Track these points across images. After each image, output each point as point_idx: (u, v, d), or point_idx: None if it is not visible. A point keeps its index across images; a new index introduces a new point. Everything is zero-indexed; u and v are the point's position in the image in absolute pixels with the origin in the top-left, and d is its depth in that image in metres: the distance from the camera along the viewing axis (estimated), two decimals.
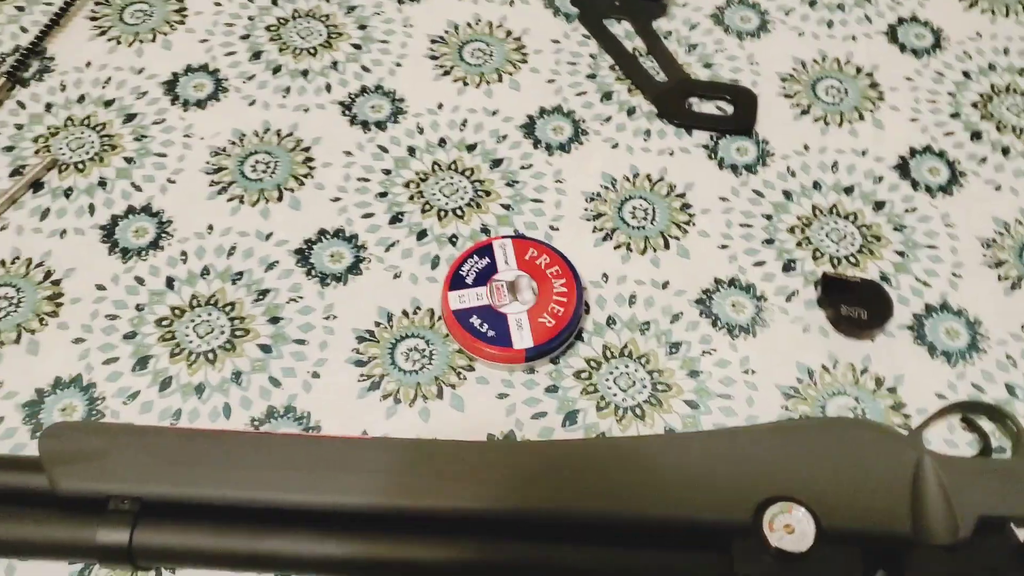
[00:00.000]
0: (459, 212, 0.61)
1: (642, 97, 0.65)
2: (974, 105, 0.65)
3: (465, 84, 0.66)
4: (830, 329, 0.56)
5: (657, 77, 0.66)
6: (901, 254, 0.59)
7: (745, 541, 0.46)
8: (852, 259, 0.59)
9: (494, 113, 0.65)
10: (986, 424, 0.53)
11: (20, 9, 0.69)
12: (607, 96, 0.66)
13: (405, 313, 0.57)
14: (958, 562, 0.46)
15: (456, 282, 0.56)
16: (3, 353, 0.55)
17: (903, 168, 0.62)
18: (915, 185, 0.62)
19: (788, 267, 0.59)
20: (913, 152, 0.63)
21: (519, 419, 0.53)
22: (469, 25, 0.69)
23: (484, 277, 0.56)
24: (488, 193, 0.62)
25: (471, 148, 0.63)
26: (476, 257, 0.57)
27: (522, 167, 0.63)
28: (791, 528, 0.46)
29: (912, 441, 0.50)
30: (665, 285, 0.58)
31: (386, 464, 0.49)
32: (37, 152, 0.63)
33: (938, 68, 0.67)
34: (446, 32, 0.69)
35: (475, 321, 0.55)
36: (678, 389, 0.55)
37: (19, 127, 0.64)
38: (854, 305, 0.56)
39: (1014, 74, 0.66)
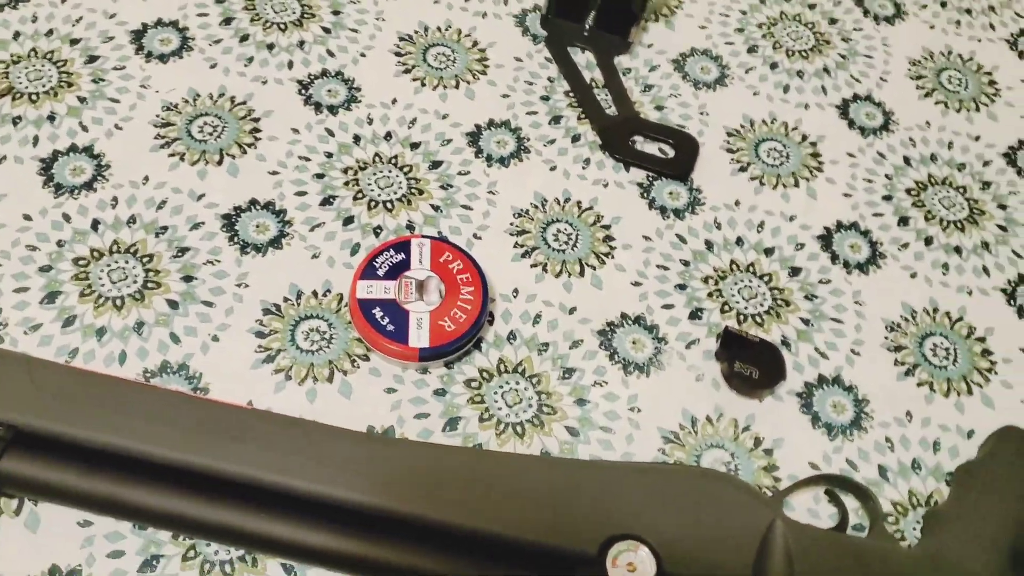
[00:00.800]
0: (389, 205, 0.62)
1: (589, 127, 0.66)
2: (908, 191, 0.67)
3: (423, 85, 0.67)
4: (722, 383, 0.58)
5: (608, 110, 0.67)
6: (806, 322, 0.60)
7: (589, 573, 0.47)
8: (758, 319, 0.60)
9: (444, 117, 0.66)
10: (850, 501, 0.54)
11: None
12: (556, 120, 0.67)
13: (315, 293, 0.58)
14: None
15: (368, 272, 0.57)
16: None
17: (826, 240, 0.64)
18: (834, 258, 0.63)
19: (695, 315, 0.60)
20: (839, 226, 0.64)
21: (402, 416, 0.55)
22: (439, 29, 0.70)
23: (396, 272, 0.57)
24: (421, 192, 0.63)
25: (415, 146, 0.65)
26: (393, 251, 0.58)
27: (459, 172, 0.64)
28: (633, 567, 0.47)
29: (772, 503, 0.51)
30: (572, 311, 0.59)
31: (262, 437, 0.50)
32: None
33: (881, 149, 0.68)
34: (415, 32, 0.70)
35: (377, 313, 0.56)
36: (562, 414, 0.56)
37: None
38: (749, 363, 0.57)
39: (953, 168, 0.68)
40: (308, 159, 0.63)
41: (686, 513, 0.49)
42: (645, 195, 0.64)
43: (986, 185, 0.67)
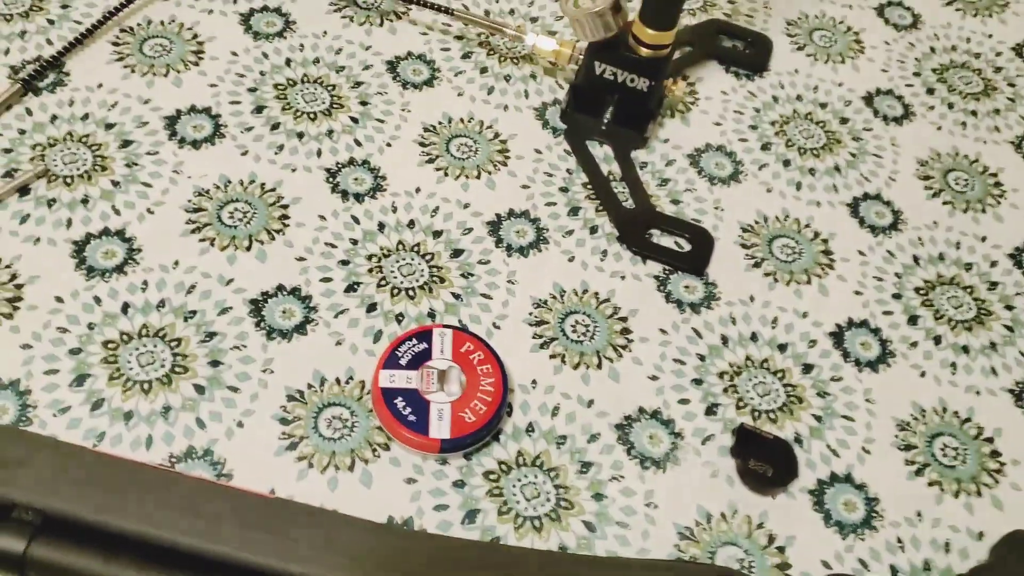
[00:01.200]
0: (411, 293, 0.63)
1: (607, 219, 0.68)
2: (917, 290, 0.68)
3: (445, 174, 0.70)
4: (737, 479, 0.59)
5: (625, 203, 0.69)
6: (819, 419, 0.62)
7: None
8: (772, 415, 0.61)
9: (466, 206, 0.68)
10: None
11: (51, 22, 0.73)
12: (574, 211, 0.69)
13: (338, 380, 0.59)
14: None
15: (391, 361, 0.58)
16: None
17: (838, 337, 0.65)
18: (846, 356, 0.64)
19: (711, 411, 0.61)
20: (851, 323, 0.66)
21: (421, 507, 0.55)
22: (462, 120, 0.73)
23: (418, 361, 0.59)
24: (443, 280, 0.64)
25: (437, 234, 0.66)
26: (415, 340, 0.59)
27: (480, 262, 0.65)
28: None
29: None
30: (590, 403, 0.60)
31: (285, 527, 0.51)
32: (32, 159, 0.66)
33: (891, 248, 0.70)
34: (439, 123, 0.72)
35: (399, 402, 0.57)
36: (580, 509, 0.57)
37: (22, 132, 0.67)
38: (763, 461, 0.58)
39: (961, 268, 0.69)
40: (334, 245, 0.65)
41: None
42: (662, 288, 0.66)
43: (993, 285, 0.69)
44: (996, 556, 0.56)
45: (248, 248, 0.64)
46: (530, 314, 0.64)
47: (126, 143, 0.68)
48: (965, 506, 0.59)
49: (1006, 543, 0.56)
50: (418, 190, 0.69)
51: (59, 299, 0.60)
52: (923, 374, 0.64)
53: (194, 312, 0.61)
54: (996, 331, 0.67)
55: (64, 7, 0.74)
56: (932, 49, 0.83)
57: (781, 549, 0.56)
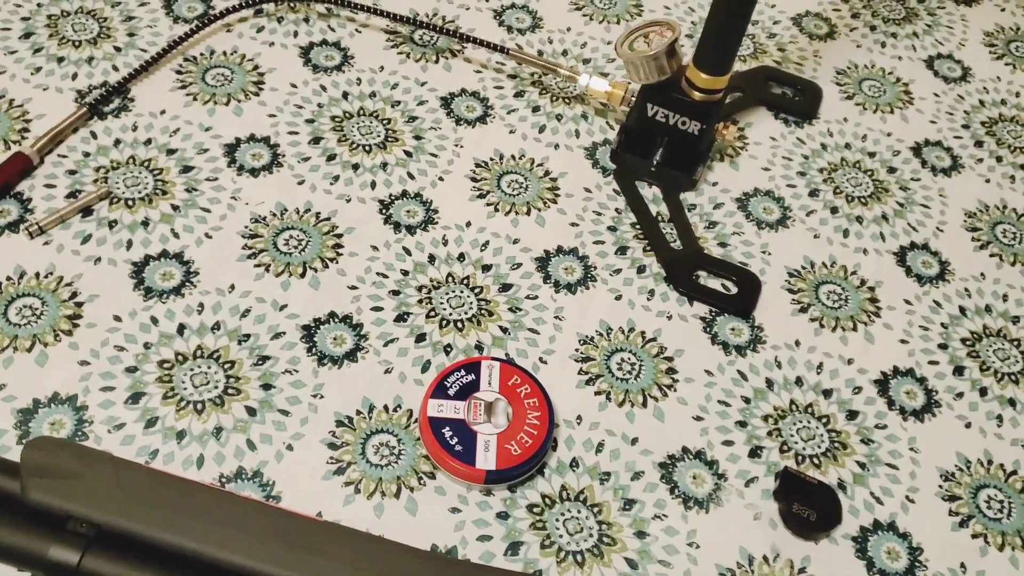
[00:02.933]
0: (460, 325, 0.64)
1: (655, 259, 0.69)
2: (963, 341, 0.68)
3: (496, 210, 0.71)
4: (779, 523, 0.58)
5: (673, 244, 0.70)
6: (863, 466, 0.61)
7: None
8: (816, 460, 0.61)
9: (515, 242, 0.69)
10: None
11: (117, 49, 0.75)
12: (622, 250, 0.70)
13: (386, 408, 0.60)
14: None
15: (439, 391, 0.59)
16: (14, 358, 0.59)
17: (883, 385, 0.65)
18: (891, 404, 0.64)
19: (754, 453, 0.61)
20: (896, 372, 0.66)
21: (465, 537, 0.56)
22: (513, 157, 0.74)
23: (466, 392, 0.59)
24: (491, 313, 0.65)
25: (486, 268, 0.67)
26: (463, 371, 0.60)
27: (528, 297, 0.66)
28: None
29: None
30: (634, 441, 0.61)
31: (333, 551, 0.51)
32: (95, 181, 0.68)
33: (937, 298, 0.70)
34: (491, 159, 0.74)
35: (447, 432, 0.58)
36: (622, 546, 0.57)
37: (86, 155, 0.69)
38: (806, 505, 0.58)
39: (1007, 320, 0.69)
40: (385, 276, 0.66)
41: None
42: (708, 330, 0.66)
43: None
44: None
45: (302, 275, 0.65)
46: (576, 350, 0.64)
47: (186, 168, 0.70)
48: (1010, 560, 0.59)
49: None
50: (468, 224, 0.70)
51: (117, 318, 0.62)
52: (968, 425, 0.64)
53: (248, 335, 0.62)
54: None
55: (131, 35, 0.77)
56: (981, 102, 0.84)
57: None
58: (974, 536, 0.59)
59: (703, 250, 0.70)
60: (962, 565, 0.58)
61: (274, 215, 0.68)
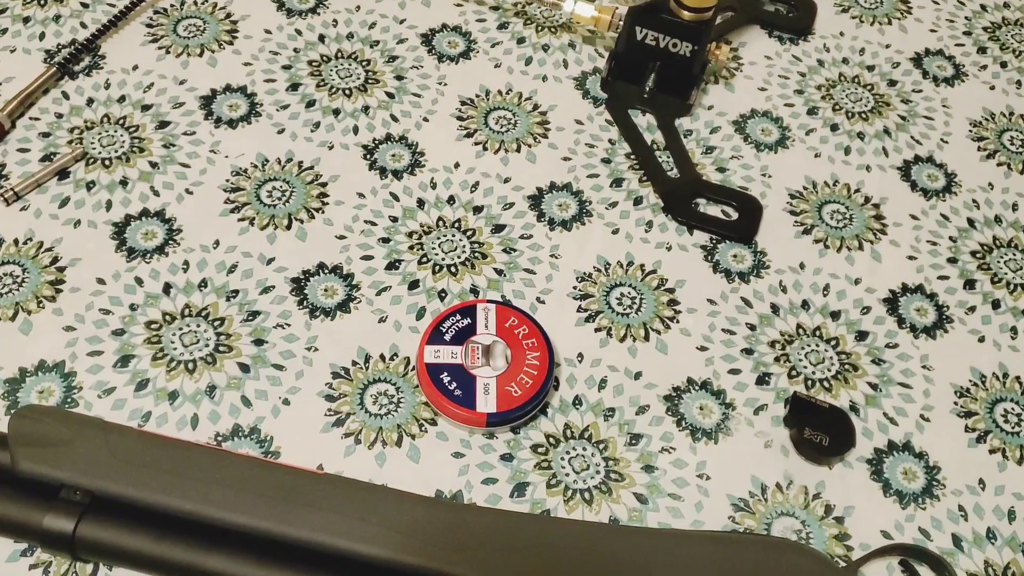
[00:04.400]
0: (453, 269, 0.63)
1: (651, 189, 0.67)
2: (973, 254, 0.66)
3: (484, 148, 0.68)
4: (791, 449, 0.57)
5: (670, 172, 0.68)
6: (874, 387, 0.60)
7: None
8: (826, 384, 0.60)
9: (506, 180, 0.67)
10: (925, 572, 0.53)
11: (84, 6, 0.73)
12: (617, 182, 0.67)
13: (382, 357, 0.59)
14: None
15: (435, 337, 0.58)
16: None
17: (892, 304, 0.63)
18: (901, 322, 0.63)
19: (762, 380, 0.60)
20: (905, 289, 0.64)
21: (470, 481, 0.55)
22: (500, 93, 0.71)
23: (462, 337, 0.58)
24: (485, 256, 0.63)
25: (477, 210, 0.65)
26: (459, 316, 0.59)
27: (522, 236, 0.64)
28: None
29: (846, 573, 0.51)
30: (637, 376, 0.59)
31: (332, 503, 0.50)
32: (70, 143, 0.66)
33: (944, 211, 0.68)
34: (476, 96, 0.71)
35: (445, 378, 0.56)
36: (631, 481, 0.55)
37: (59, 116, 0.67)
38: (818, 430, 0.57)
39: (1018, 230, 0.67)
40: (374, 223, 0.64)
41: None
42: (709, 258, 0.64)
43: None
44: None
45: (288, 227, 0.63)
46: (574, 288, 0.63)
47: (163, 124, 0.67)
48: None
49: None
50: (457, 165, 0.67)
51: (101, 281, 0.60)
52: (982, 339, 0.62)
53: (236, 292, 0.60)
54: None
55: None
56: (983, 7, 0.81)
57: (839, 520, 0.55)
58: (992, 451, 0.58)
59: (701, 177, 0.68)
60: (980, 481, 0.57)
61: (255, 167, 0.66)
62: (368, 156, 0.67)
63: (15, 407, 0.55)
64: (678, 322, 0.62)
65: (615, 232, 0.65)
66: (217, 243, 0.62)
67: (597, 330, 0.61)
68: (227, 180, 0.65)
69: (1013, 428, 0.59)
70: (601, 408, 0.58)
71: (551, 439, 0.56)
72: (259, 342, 0.59)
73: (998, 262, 0.66)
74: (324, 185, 0.66)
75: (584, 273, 0.63)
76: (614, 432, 0.57)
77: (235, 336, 0.59)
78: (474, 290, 0.62)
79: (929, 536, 0.55)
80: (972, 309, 0.64)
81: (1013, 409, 0.60)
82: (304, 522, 0.50)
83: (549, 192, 0.67)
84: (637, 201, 0.67)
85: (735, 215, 0.66)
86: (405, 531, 0.49)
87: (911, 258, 0.66)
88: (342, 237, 0.63)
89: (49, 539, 0.49)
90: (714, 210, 0.67)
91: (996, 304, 0.64)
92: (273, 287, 0.61)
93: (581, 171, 0.68)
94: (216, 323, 0.59)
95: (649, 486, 0.55)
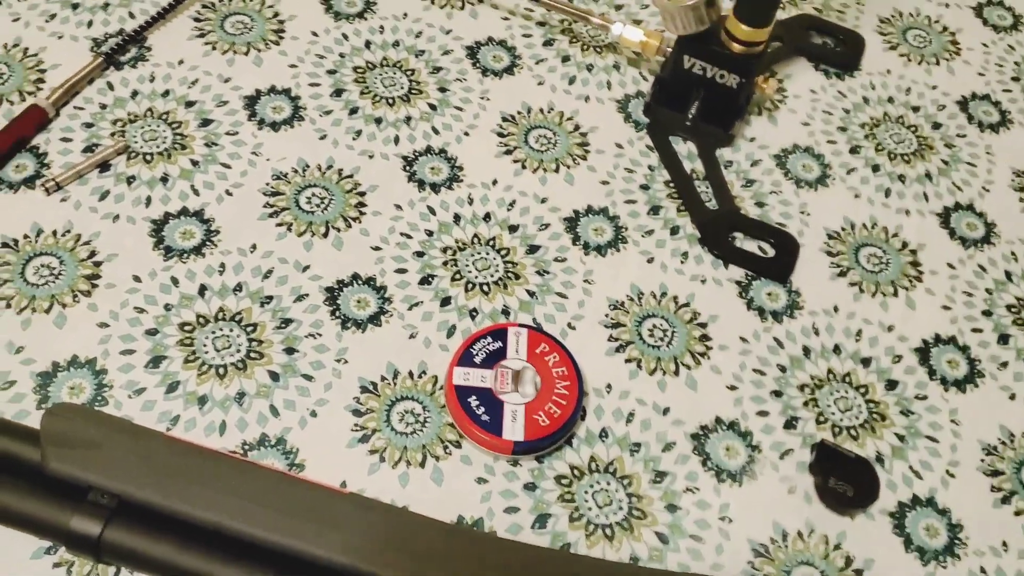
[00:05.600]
0: (486, 288, 0.62)
1: (688, 219, 0.67)
2: (1009, 308, 0.66)
3: (523, 167, 0.68)
4: (814, 497, 0.57)
5: (708, 203, 0.67)
6: (902, 439, 0.60)
7: None
8: (853, 432, 0.60)
9: (543, 201, 0.67)
10: None
11: None
12: (655, 210, 0.67)
13: (411, 374, 0.59)
14: None
15: (465, 358, 0.58)
16: (32, 320, 0.58)
17: (924, 354, 0.63)
18: (932, 373, 0.62)
19: (790, 424, 0.59)
20: (938, 340, 0.64)
21: (491, 508, 0.55)
22: (541, 111, 0.71)
23: (492, 360, 0.58)
24: (518, 276, 0.63)
25: (513, 229, 0.65)
26: (490, 338, 0.59)
27: (556, 259, 0.64)
28: None
29: None
30: (666, 411, 0.59)
31: (358, 525, 0.50)
32: (113, 135, 0.66)
33: (982, 262, 0.68)
34: (518, 113, 0.71)
35: (473, 401, 0.56)
36: (653, 519, 0.55)
37: (103, 107, 0.67)
38: (843, 479, 0.57)
39: None
40: (410, 236, 0.64)
41: None
42: (743, 295, 0.64)
43: None
44: None
45: (325, 235, 0.63)
46: (606, 315, 0.62)
47: (206, 122, 0.67)
48: None
49: None
50: (495, 182, 0.67)
51: (137, 278, 0.60)
52: (1012, 396, 0.62)
53: (270, 297, 0.61)
54: None
55: None
56: None
57: (859, 572, 0.55)
58: (1017, 513, 0.58)
59: (739, 210, 0.67)
60: (1004, 544, 0.57)
61: (296, 172, 0.66)
62: (407, 168, 0.67)
63: (46, 401, 0.55)
64: (709, 358, 0.61)
65: (650, 261, 0.65)
66: (254, 247, 0.62)
67: (627, 361, 0.61)
68: (267, 184, 0.65)
69: None
70: (627, 442, 0.58)
71: (576, 471, 0.56)
72: (290, 351, 0.59)
73: None
74: (363, 195, 0.65)
75: (617, 301, 0.63)
76: (639, 468, 0.57)
77: (267, 343, 0.59)
78: (505, 311, 0.62)
79: None
80: (1005, 365, 0.63)
81: None
82: (324, 540, 0.50)
83: (586, 215, 0.66)
84: (674, 231, 0.66)
85: (771, 252, 0.66)
86: (424, 558, 0.50)
87: (946, 308, 0.65)
88: (377, 248, 0.63)
89: (75, 540, 0.49)
90: (751, 245, 0.66)
91: None
92: (307, 295, 0.61)
93: (619, 196, 0.68)
94: (249, 329, 0.59)
95: (671, 526, 0.55)
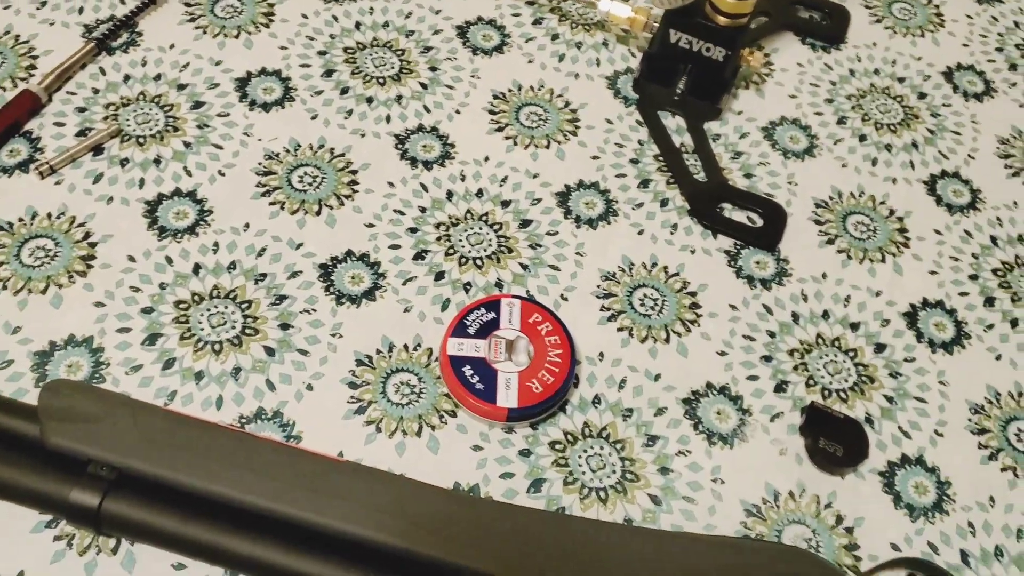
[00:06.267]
0: (479, 262, 0.63)
1: (678, 191, 0.67)
2: (994, 271, 0.66)
3: (515, 143, 0.69)
4: (805, 458, 0.58)
5: (697, 175, 0.68)
6: (890, 400, 0.60)
7: None
8: (843, 394, 0.60)
9: (535, 176, 0.67)
10: None
11: None
12: (645, 183, 0.68)
13: (406, 347, 0.59)
14: None
15: (459, 329, 0.58)
16: (28, 300, 0.58)
17: (912, 318, 0.64)
18: (919, 336, 0.63)
19: (780, 388, 0.60)
20: (925, 304, 0.65)
21: (487, 475, 0.55)
22: (532, 88, 0.72)
23: (486, 331, 0.58)
24: (511, 250, 0.64)
25: (505, 204, 0.66)
26: (483, 309, 0.59)
27: (548, 233, 0.65)
28: None
29: None
30: (657, 377, 0.60)
31: (357, 492, 0.51)
32: (106, 119, 0.66)
33: (968, 227, 0.68)
34: (509, 91, 0.71)
35: (467, 371, 0.57)
36: (646, 482, 0.56)
37: (95, 91, 0.68)
38: (833, 440, 0.58)
39: None
40: (403, 213, 0.65)
41: None
42: (732, 263, 0.65)
43: None
44: None
45: (318, 213, 0.64)
46: (598, 287, 0.63)
47: (197, 104, 0.68)
48: None
49: None
50: (487, 159, 0.68)
51: (131, 258, 0.61)
52: (999, 357, 0.63)
53: (264, 275, 0.61)
54: None
55: None
56: (1016, 24, 0.81)
57: (849, 530, 0.56)
58: (1003, 469, 0.59)
59: (728, 181, 0.68)
60: (991, 499, 0.57)
61: (287, 151, 0.66)
62: (399, 145, 0.68)
63: (44, 380, 0.56)
64: (699, 326, 0.62)
65: (640, 233, 0.66)
66: (247, 226, 0.63)
67: (619, 330, 0.62)
68: (259, 164, 0.66)
69: None
70: (620, 408, 0.58)
71: (569, 437, 0.57)
72: (285, 326, 0.59)
73: (1019, 281, 0.66)
74: (355, 172, 0.66)
75: (608, 272, 0.64)
76: (632, 432, 0.58)
77: (262, 319, 0.60)
78: (499, 284, 0.63)
79: (937, 551, 0.56)
80: (991, 327, 0.64)
81: None
82: (323, 509, 0.51)
83: (577, 190, 0.67)
84: (663, 203, 0.67)
85: (760, 222, 0.67)
86: (422, 522, 0.50)
87: (932, 273, 0.66)
88: (371, 225, 0.64)
89: (75, 513, 0.50)
90: (739, 216, 0.67)
91: (1015, 323, 0.64)
92: (301, 272, 0.62)
93: (609, 170, 0.68)
94: (244, 305, 0.60)
95: (664, 488, 0.56)
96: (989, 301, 0.65)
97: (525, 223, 0.65)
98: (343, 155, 0.67)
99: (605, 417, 0.58)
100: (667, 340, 0.61)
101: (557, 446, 0.57)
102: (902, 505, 0.57)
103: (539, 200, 0.67)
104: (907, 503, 0.57)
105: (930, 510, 0.57)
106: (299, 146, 0.67)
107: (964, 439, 0.60)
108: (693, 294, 0.63)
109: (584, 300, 0.63)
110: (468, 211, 0.65)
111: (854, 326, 0.63)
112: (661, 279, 0.64)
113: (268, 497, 0.51)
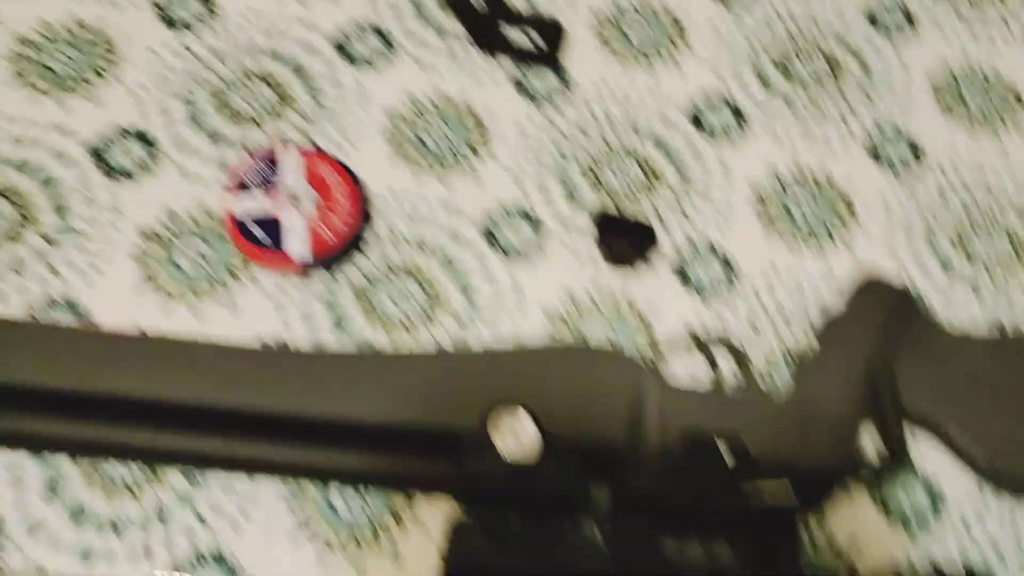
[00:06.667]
0: (257, 120, 0.62)
1: (457, 20, 0.66)
2: (774, 64, 0.68)
3: None
4: (601, 262, 0.60)
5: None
6: (676, 195, 0.62)
7: (476, 447, 0.50)
8: (630, 197, 0.62)
9: (302, 21, 0.65)
10: (726, 361, 0.57)
11: None
12: (424, 18, 0.67)
13: (190, 214, 0.58)
14: (668, 474, 0.51)
15: (240, 187, 0.57)
16: None
17: (696, 115, 0.66)
18: (698, 125, 0.65)
19: (572, 198, 0.61)
20: (706, 99, 0.66)
21: (290, 325, 0.56)
22: None
23: (268, 184, 0.57)
24: (293, 99, 0.62)
25: (276, 56, 0.64)
26: (263, 164, 0.58)
27: (323, 76, 0.64)
28: (517, 433, 0.51)
29: (650, 369, 0.54)
30: (451, 206, 0.60)
31: (154, 361, 0.52)
32: None
33: (750, 24, 0.70)
34: None
35: (253, 228, 0.56)
36: (449, 306, 0.57)
37: None
38: (626, 242, 0.59)
39: (812, 25, 0.70)
40: (171, 79, 0.62)
41: (562, 383, 0.53)
42: (518, 86, 0.65)
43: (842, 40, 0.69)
44: (847, 302, 0.58)
45: (76, 91, 0.61)
46: (384, 126, 0.62)
47: None
48: (818, 255, 0.61)
49: (857, 290, 0.58)
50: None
51: None
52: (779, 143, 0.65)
53: (25, 161, 0.59)
54: (849, 81, 0.68)
55: None
56: None
57: (647, 323, 0.58)
58: (781, 236, 0.62)
59: (504, 3, 0.67)
60: (772, 264, 0.61)
61: (41, 35, 0.63)
62: (159, 11, 0.65)
63: None
64: (490, 152, 0.62)
65: (426, 68, 0.65)
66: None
67: (409, 163, 0.61)
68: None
69: (801, 220, 0.62)
70: (417, 240, 0.59)
71: (368, 276, 0.58)
72: (60, 209, 0.57)
73: (796, 66, 0.68)
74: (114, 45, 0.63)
75: (397, 113, 0.63)
76: (432, 262, 0.58)
77: (35, 207, 0.57)
78: (281, 139, 0.61)
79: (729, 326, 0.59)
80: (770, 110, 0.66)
81: (807, 200, 0.63)
82: (132, 379, 0.51)
83: (359, 32, 0.65)
84: (440, 32, 0.66)
85: (540, 40, 0.66)
86: (227, 381, 0.51)
87: (713, 69, 0.67)
88: (137, 96, 0.61)
89: None
90: (520, 36, 0.66)
91: (789, 100, 0.67)
92: (65, 155, 0.59)
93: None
94: (9, 196, 0.57)
95: (468, 309, 0.57)
96: (764, 83, 0.67)
97: (298, 69, 0.64)
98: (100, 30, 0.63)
99: (403, 250, 0.59)
100: (458, 169, 0.62)
101: (357, 286, 0.57)
102: (691, 286, 0.59)
103: (314, 48, 0.65)
104: (696, 286, 0.59)
105: (716, 287, 0.60)
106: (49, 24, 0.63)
107: (749, 222, 0.62)
108: (480, 122, 0.63)
109: (371, 140, 0.62)
110: (245, 71, 0.63)
111: (636, 129, 0.64)
112: (449, 111, 0.64)
113: (67, 380, 0.51)
